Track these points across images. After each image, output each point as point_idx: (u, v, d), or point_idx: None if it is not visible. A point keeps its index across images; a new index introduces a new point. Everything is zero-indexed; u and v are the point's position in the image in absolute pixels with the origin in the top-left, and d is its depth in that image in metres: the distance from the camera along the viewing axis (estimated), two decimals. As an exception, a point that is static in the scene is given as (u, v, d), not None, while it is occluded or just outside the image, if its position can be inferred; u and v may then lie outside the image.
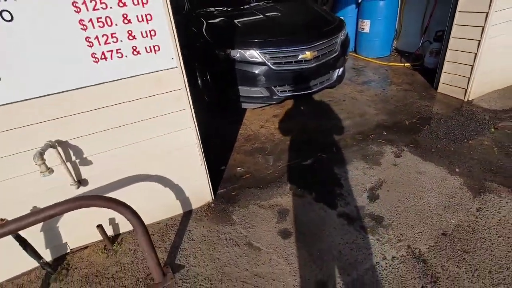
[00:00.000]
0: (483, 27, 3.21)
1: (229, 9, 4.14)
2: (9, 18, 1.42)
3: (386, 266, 1.80)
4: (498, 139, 2.87)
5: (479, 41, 3.28)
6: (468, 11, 3.31)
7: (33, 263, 1.98)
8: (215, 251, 2.03)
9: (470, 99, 3.63)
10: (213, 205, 2.43)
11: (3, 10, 1.40)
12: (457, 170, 2.52)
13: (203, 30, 3.74)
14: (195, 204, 2.42)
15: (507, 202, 2.15)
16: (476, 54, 3.36)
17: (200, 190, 2.39)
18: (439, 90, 3.92)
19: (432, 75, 4.11)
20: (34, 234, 1.90)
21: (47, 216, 1.46)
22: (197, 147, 2.19)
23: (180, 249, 2.08)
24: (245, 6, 4.22)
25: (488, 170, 2.49)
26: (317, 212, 2.25)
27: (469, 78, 3.52)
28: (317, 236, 2.05)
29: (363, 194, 2.37)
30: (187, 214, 2.37)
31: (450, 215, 2.10)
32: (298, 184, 2.56)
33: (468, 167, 2.54)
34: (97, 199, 1.59)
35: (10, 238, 1.69)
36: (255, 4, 4.28)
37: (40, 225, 1.92)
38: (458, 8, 3.38)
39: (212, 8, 4.16)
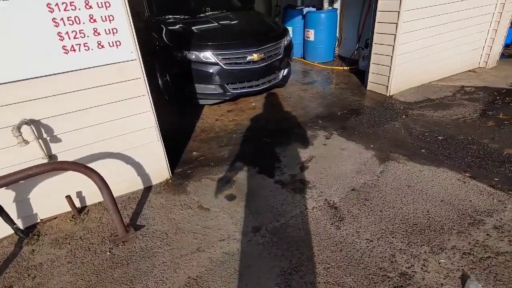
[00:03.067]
0: (395, 35, 3.96)
1: (186, 17, 4.59)
2: None
3: (306, 213, 2.31)
4: (406, 123, 3.57)
5: (393, 46, 4.03)
6: (384, 22, 4.05)
7: (4, 233, 2.25)
8: (171, 213, 2.42)
9: (391, 94, 4.37)
10: (170, 181, 2.82)
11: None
12: (371, 146, 3.15)
13: (163, 35, 4.16)
14: (154, 181, 2.79)
15: (403, 166, 2.78)
16: (392, 57, 4.10)
17: (159, 168, 2.77)
18: (368, 88, 4.64)
19: (364, 76, 4.83)
20: (6, 205, 2.16)
21: (27, 175, 1.79)
22: (155, 129, 2.58)
23: (141, 215, 2.44)
24: (201, 15, 4.70)
25: (394, 145, 3.14)
26: (258, 181, 2.73)
27: (388, 77, 4.26)
28: (256, 198, 2.52)
29: (296, 166, 2.89)
30: (148, 189, 2.73)
31: (360, 177, 2.68)
32: (245, 162, 3.03)
33: (380, 144, 3.17)
34: (69, 163, 1.94)
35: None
36: (210, 13, 4.78)
37: (12, 195, 2.20)
38: (376, 19, 4.12)
39: (171, 16, 4.59)
